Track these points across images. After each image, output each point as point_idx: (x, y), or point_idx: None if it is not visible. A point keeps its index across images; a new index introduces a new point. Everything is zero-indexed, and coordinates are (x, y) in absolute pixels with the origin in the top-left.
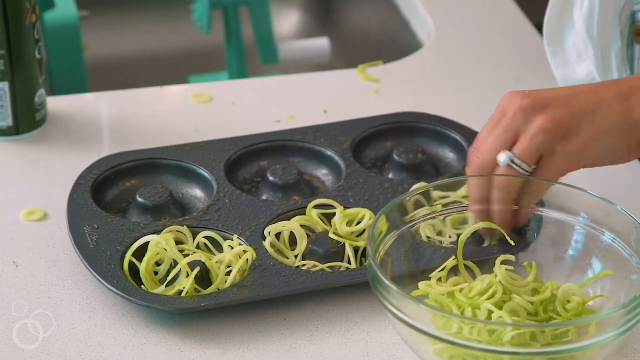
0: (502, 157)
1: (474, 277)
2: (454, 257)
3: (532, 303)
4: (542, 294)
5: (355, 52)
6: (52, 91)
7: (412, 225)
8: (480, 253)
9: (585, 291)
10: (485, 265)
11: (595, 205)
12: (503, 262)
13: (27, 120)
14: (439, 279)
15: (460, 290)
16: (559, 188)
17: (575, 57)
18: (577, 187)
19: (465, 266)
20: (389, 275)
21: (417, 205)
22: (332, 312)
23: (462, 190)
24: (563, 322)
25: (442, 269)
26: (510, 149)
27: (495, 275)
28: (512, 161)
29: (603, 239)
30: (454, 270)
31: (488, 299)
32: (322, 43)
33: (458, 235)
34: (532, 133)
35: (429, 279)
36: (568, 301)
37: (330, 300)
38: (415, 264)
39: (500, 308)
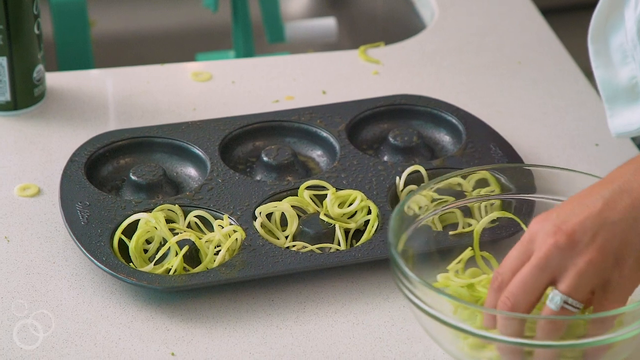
0: (556, 299)
1: (491, 267)
2: (470, 248)
3: None
4: None
5: (363, 33)
6: (58, 67)
7: (431, 216)
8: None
9: None
10: (502, 255)
11: None
12: None
13: (25, 95)
14: (457, 271)
15: (479, 282)
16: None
17: (620, 59)
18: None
19: (482, 257)
20: (411, 266)
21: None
22: (320, 293)
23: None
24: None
25: (459, 262)
26: (552, 287)
27: None
28: (566, 302)
29: None
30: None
31: None
32: (329, 23)
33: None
34: (580, 270)
35: (447, 271)
36: None
37: (319, 281)
38: (436, 254)
39: None
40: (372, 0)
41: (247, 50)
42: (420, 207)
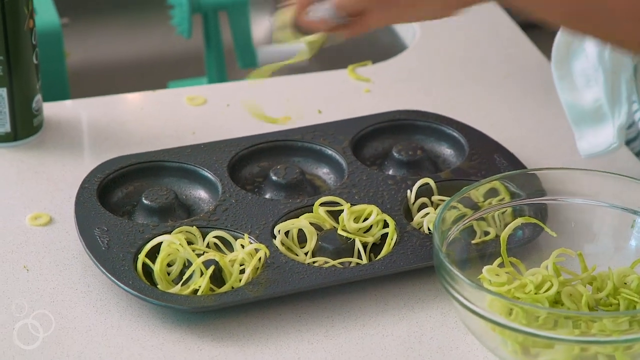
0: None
1: (520, 272)
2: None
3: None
4: (605, 287)
5: (333, 55)
6: None
7: (458, 229)
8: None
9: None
10: (530, 259)
11: None
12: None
13: (25, 126)
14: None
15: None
16: (618, 178)
17: (583, 82)
18: (636, 178)
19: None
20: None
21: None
22: (347, 307)
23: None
24: None
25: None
26: None
27: (547, 268)
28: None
29: None
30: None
31: (546, 291)
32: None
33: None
34: None
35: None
36: (625, 283)
37: (344, 296)
38: (468, 263)
39: (558, 300)
40: None
41: (220, 76)
42: (447, 222)
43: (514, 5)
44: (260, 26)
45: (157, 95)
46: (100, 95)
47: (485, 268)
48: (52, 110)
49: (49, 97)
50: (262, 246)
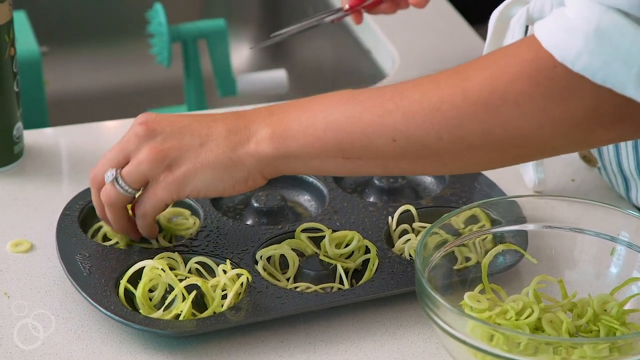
0: (108, 174)
1: (501, 299)
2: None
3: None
4: (586, 314)
5: (312, 83)
6: None
7: (439, 255)
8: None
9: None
10: (511, 285)
11: (634, 223)
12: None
13: (5, 153)
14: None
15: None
16: (597, 206)
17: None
18: (615, 206)
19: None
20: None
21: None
22: (328, 333)
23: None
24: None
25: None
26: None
27: (527, 294)
28: (116, 179)
29: None
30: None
31: (527, 317)
32: (280, 75)
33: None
34: (139, 159)
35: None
36: (605, 310)
37: (326, 321)
38: (449, 289)
39: (539, 327)
40: (321, 50)
41: (200, 104)
42: (429, 248)
43: (289, 170)
44: (240, 55)
45: None
46: (79, 123)
47: (467, 294)
48: (32, 137)
49: (28, 125)
50: (244, 271)
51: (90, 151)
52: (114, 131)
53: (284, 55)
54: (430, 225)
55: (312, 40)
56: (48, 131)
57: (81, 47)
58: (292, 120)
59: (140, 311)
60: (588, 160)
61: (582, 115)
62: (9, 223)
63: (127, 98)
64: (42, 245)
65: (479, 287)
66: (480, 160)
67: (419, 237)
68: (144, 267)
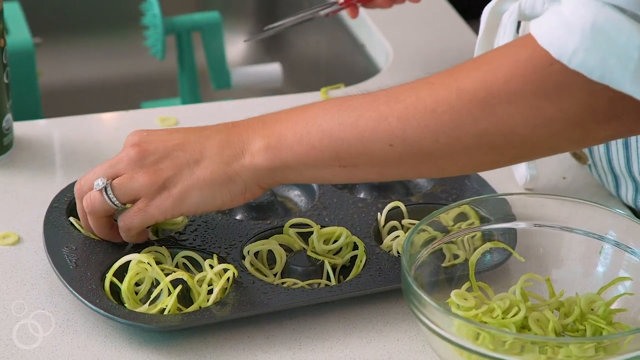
0: (99, 182)
1: (488, 297)
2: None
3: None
4: (573, 313)
5: (307, 77)
6: None
7: (427, 252)
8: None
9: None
10: (499, 283)
11: (622, 222)
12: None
13: None
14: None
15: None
16: (587, 205)
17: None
18: (604, 205)
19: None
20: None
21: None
22: (315, 329)
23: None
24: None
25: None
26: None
27: (514, 293)
28: (105, 189)
29: (631, 257)
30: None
31: (514, 316)
32: (274, 68)
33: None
34: (132, 176)
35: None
36: (592, 309)
37: (312, 317)
38: (436, 286)
39: (525, 325)
40: (316, 44)
41: (194, 97)
42: (417, 245)
43: (286, 180)
44: (234, 47)
45: (130, 115)
46: (72, 115)
47: (454, 292)
48: (23, 129)
49: (21, 116)
50: (230, 266)
51: (82, 143)
52: (106, 123)
53: (278, 49)
54: (418, 222)
55: (306, 34)
56: (40, 123)
57: (75, 38)
58: (286, 131)
59: (126, 305)
60: (579, 157)
61: (577, 112)
62: None
63: (121, 90)
64: (29, 238)
65: (466, 285)
66: (477, 161)
67: (407, 233)
68: (130, 261)
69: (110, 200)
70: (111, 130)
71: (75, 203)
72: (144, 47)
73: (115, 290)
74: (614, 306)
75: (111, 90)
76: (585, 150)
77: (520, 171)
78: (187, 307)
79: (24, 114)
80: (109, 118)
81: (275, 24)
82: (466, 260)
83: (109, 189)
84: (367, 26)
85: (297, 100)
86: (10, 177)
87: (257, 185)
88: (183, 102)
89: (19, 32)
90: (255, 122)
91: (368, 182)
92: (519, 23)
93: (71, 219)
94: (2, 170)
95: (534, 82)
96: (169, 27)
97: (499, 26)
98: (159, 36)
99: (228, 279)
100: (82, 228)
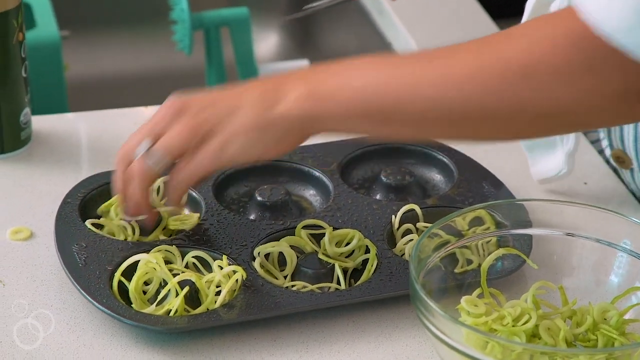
0: (141, 146)
1: (499, 303)
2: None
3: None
4: (585, 322)
5: None
6: (32, 110)
7: (437, 257)
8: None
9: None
10: (511, 290)
11: (637, 231)
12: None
13: (12, 139)
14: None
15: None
16: (604, 212)
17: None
18: (622, 213)
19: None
20: (431, 297)
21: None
22: (322, 333)
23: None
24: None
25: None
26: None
27: (526, 300)
28: (148, 152)
29: None
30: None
31: (524, 323)
32: (302, 65)
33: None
34: (172, 135)
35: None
36: (605, 318)
37: (320, 321)
38: (447, 292)
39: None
40: (345, 42)
41: None
42: (426, 250)
43: (326, 129)
44: (262, 43)
45: (151, 111)
46: (99, 109)
47: (464, 298)
48: (42, 123)
49: (46, 110)
50: (239, 268)
51: (100, 138)
52: (127, 119)
53: (306, 46)
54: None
55: (334, 31)
56: (59, 117)
57: (103, 31)
58: (328, 80)
59: (133, 305)
60: (622, 161)
61: (619, 88)
62: (11, 210)
63: (148, 84)
64: (42, 233)
65: (477, 291)
66: (516, 129)
67: (417, 238)
68: (139, 260)
69: (154, 162)
70: (130, 125)
71: (88, 200)
72: (172, 42)
73: (124, 290)
74: (627, 316)
75: (139, 84)
76: (632, 154)
77: (554, 161)
78: (195, 308)
79: (49, 108)
80: (128, 113)
81: (315, 3)
82: (479, 265)
83: (151, 152)
84: (394, 24)
85: None
86: (27, 172)
87: (297, 134)
88: None
89: (47, 25)
90: (295, 73)
91: (384, 183)
92: None
93: (87, 222)
94: (20, 164)
95: (577, 54)
96: (196, 22)
97: None
98: (187, 31)
99: (236, 281)
100: (95, 229)
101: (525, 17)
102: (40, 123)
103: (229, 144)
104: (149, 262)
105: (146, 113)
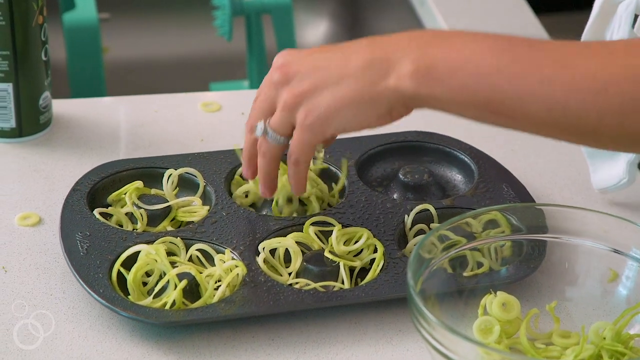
0: (258, 128)
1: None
2: (490, 292)
3: None
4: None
5: None
6: (71, 94)
7: (444, 258)
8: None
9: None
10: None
11: None
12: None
13: (30, 122)
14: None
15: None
16: (608, 219)
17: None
18: (628, 219)
19: None
20: (432, 307)
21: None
22: (322, 333)
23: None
24: None
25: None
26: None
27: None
28: (265, 131)
29: None
30: None
31: None
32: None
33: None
34: (281, 107)
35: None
36: (604, 338)
37: (321, 320)
38: (452, 295)
39: None
40: (386, 29)
41: (261, 80)
42: (433, 250)
43: (431, 108)
44: (305, 30)
45: (172, 98)
46: (136, 94)
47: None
48: (65, 107)
49: (83, 93)
50: (240, 263)
51: (121, 125)
52: (148, 106)
53: (351, 36)
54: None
55: (379, 22)
56: (82, 102)
57: (143, 14)
58: (438, 60)
59: (130, 297)
60: None
61: None
62: (22, 194)
63: (189, 69)
64: (50, 220)
65: (486, 297)
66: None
67: (419, 239)
68: (140, 251)
69: (273, 139)
70: (151, 113)
71: (98, 188)
72: (213, 27)
73: (125, 281)
74: (634, 331)
75: (179, 69)
76: None
77: (615, 170)
78: (194, 302)
79: (86, 91)
80: (150, 100)
81: None
82: (490, 269)
83: (269, 130)
84: (431, 13)
85: None
86: (43, 156)
87: (403, 106)
88: (251, 85)
89: (85, 6)
90: (403, 41)
91: (402, 182)
92: (635, 17)
93: (96, 212)
94: (37, 149)
95: None
96: (237, 8)
97: (612, 16)
98: (227, 17)
99: (237, 275)
100: (102, 218)
101: (592, 17)
102: (65, 107)
103: (334, 115)
104: (150, 254)
105: (172, 100)
